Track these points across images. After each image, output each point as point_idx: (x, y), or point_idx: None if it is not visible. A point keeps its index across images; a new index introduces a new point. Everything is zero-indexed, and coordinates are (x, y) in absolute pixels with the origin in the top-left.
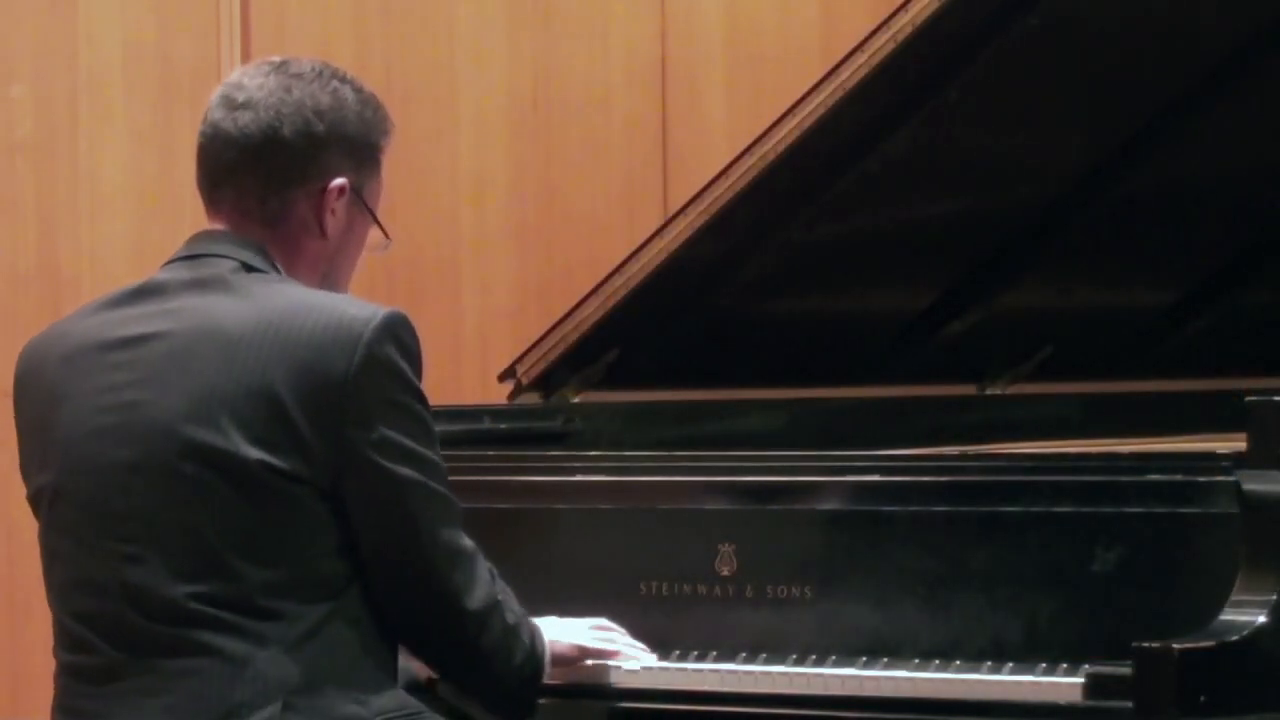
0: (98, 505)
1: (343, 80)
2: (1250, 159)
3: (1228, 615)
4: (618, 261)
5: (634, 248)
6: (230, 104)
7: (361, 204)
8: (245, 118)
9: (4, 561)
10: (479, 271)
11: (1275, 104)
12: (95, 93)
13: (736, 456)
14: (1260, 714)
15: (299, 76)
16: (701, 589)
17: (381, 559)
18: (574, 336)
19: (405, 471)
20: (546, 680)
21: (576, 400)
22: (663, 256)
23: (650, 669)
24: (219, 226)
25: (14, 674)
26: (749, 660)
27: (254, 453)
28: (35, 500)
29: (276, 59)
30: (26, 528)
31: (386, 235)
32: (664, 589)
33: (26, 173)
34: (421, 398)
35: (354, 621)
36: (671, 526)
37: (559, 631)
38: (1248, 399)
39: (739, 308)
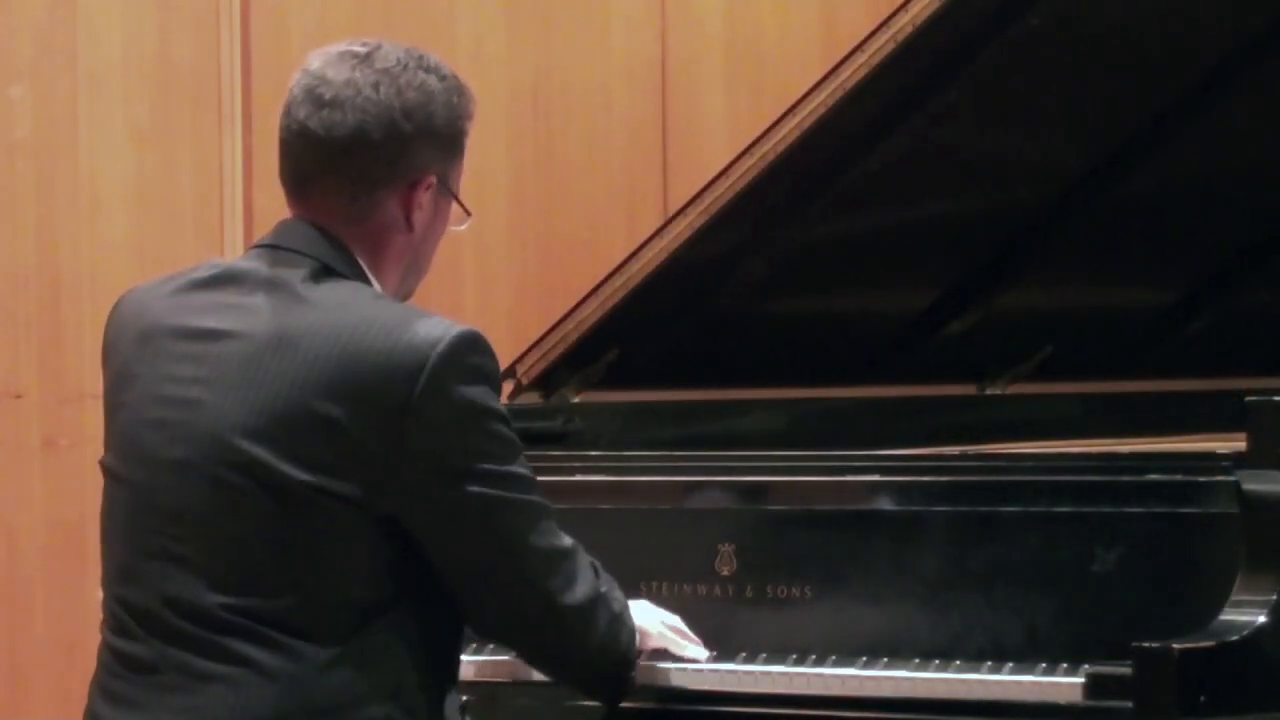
0: (147, 497)
1: (428, 69)
2: (1250, 159)
3: (1228, 615)
4: (618, 261)
5: (634, 248)
6: (317, 101)
7: (447, 190)
8: (333, 118)
9: (4, 561)
10: (479, 271)
11: (1275, 104)
12: (95, 93)
13: (736, 456)
14: (1260, 714)
15: (386, 72)
16: (701, 589)
17: (473, 578)
18: (574, 336)
19: (477, 490)
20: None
21: (576, 400)
22: (663, 256)
23: (649, 668)
24: (305, 217)
25: (14, 674)
26: (749, 660)
27: (306, 475)
28: (103, 471)
29: (361, 49)
30: (26, 529)
31: (467, 212)
32: (664, 589)
33: (26, 173)
34: (493, 414)
35: (386, 648)
36: (671, 526)
37: (639, 613)
38: (1248, 399)
39: (739, 308)
